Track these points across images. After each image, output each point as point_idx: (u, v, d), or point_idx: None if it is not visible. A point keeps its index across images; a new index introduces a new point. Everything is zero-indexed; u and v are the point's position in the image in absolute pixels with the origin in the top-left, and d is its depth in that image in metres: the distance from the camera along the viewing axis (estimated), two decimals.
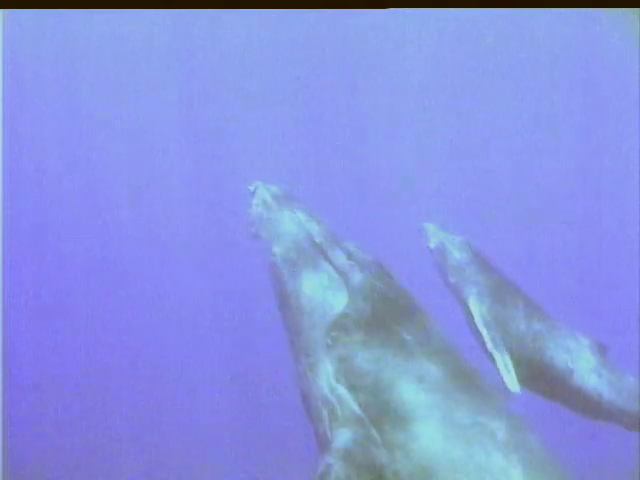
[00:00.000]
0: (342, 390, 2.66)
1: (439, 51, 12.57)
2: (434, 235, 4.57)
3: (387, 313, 2.86)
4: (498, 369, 3.88)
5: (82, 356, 10.43)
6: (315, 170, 11.20)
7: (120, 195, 12.13)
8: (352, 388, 2.65)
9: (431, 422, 2.50)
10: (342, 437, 2.57)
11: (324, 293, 2.94)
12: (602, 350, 4.11)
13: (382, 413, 2.55)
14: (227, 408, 9.74)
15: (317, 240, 3.11)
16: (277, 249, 3.16)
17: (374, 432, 2.52)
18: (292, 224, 3.21)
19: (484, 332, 3.98)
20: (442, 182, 11.45)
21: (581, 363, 4.01)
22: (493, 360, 3.95)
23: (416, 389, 2.59)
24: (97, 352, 10.42)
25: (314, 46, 12.48)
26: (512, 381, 3.82)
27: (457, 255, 4.38)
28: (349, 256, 3.08)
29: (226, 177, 10.45)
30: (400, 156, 11.91)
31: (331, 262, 3.02)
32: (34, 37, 11.28)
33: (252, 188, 3.41)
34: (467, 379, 2.74)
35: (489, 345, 3.96)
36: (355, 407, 2.60)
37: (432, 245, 4.55)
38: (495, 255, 4.47)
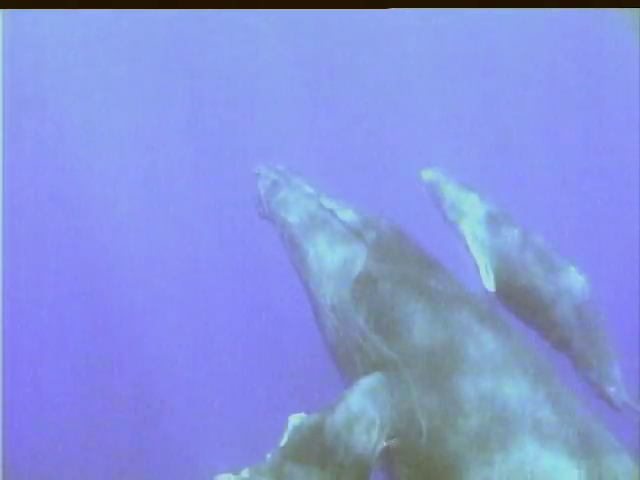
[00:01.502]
0: (375, 337, 2.74)
1: (439, 51, 12.57)
2: (431, 178, 4.73)
3: (409, 264, 2.96)
4: (479, 270, 4.02)
5: (82, 358, 10.43)
6: (321, 156, 11.18)
7: (121, 194, 12.13)
8: (385, 336, 2.72)
9: (462, 360, 2.56)
10: (370, 376, 2.62)
11: (343, 252, 3.06)
12: (592, 290, 4.17)
13: (414, 354, 2.61)
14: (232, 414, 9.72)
15: (327, 206, 3.25)
16: (292, 219, 3.32)
17: (407, 373, 2.56)
18: (301, 195, 3.40)
19: (469, 239, 4.15)
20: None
21: (566, 298, 4.07)
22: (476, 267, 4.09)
23: (447, 332, 2.65)
24: (97, 355, 10.42)
25: (314, 46, 12.49)
26: (489, 281, 3.96)
27: (452, 192, 4.54)
28: (361, 217, 3.21)
29: (231, 171, 10.45)
30: (400, 154, 11.92)
31: (344, 223, 3.14)
32: (34, 37, 11.27)
33: (257, 170, 3.60)
34: (496, 321, 2.81)
35: (472, 249, 4.11)
36: (386, 350, 2.67)
37: (428, 186, 4.73)
38: None
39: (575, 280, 4.12)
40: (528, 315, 4.14)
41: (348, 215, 3.23)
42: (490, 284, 3.90)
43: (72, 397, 9.96)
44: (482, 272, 3.95)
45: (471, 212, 4.34)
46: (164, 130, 12.54)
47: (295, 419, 2.48)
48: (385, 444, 2.48)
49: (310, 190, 3.48)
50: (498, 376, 2.49)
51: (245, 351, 10.10)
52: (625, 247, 10.74)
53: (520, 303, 4.11)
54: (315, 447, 2.36)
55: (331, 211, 3.24)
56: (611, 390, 3.86)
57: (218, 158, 11.77)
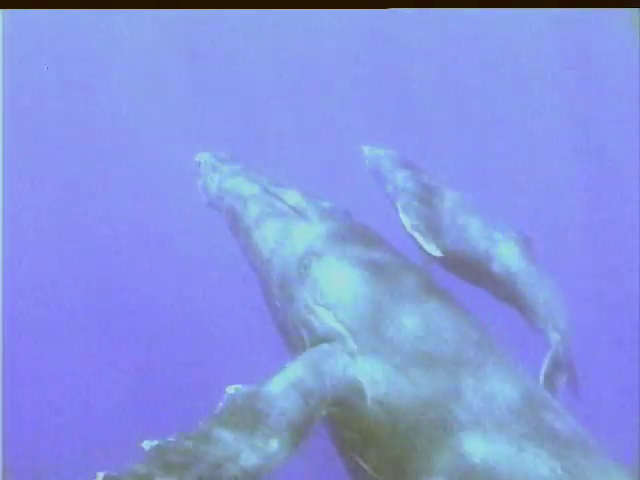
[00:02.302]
0: (321, 309, 2.75)
1: (439, 51, 12.58)
2: (370, 154, 4.82)
3: (352, 239, 3.00)
4: (419, 244, 4.08)
5: (81, 356, 10.44)
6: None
7: (119, 191, 12.17)
8: (330, 306, 2.74)
9: (407, 326, 2.59)
10: (313, 348, 2.64)
11: (288, 231, 3.11)
12: (527, 242, 4.21)
13: (360, 324, 2.63)
14: None
15: (270, 189, 3.34)
16: (236, 203, 3.38)
17: (351, 343, 2.58)
18: (244, 180, 3.47)
19: (401, 212, 4.20)
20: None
21: (503, 251, 4.12)
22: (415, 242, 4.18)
23: (392, 299, 2.69)
24: (96, 352, 10.42)
25: (314, 46, 12.50)
26: (431, 247, 4.00)
27: (388, 166, 4.64)
28: (305, 198, 3.28)
29: None
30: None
31: (288, 205, 3.21)
32: (34, 37, 11.27)
33: (198, 159, 3.64)
34: (440, 292, 2.84)
35: (405, 221, 4.16)
36: (334, 322, 2.68)
37: (368, 163, 4.79)
38: None
39: (508, 235, 4.19)
40: (469, 274, 4.22)
41: (292, 197, 3.29)
42: (433, 249, 3.96)
43: (74, 399, 9.96)
44: (420, 240, 3.99)
45: (404, 185, 4.44)
46: (162, 127, 12.55)
47: (231, 389, 2.49)
48: (326, 412, 2.50)
49: (254, 175, 3.55)
50: (444, 341, 2.53)
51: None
52: (624, 246, 10.75)
53: (460, 264, 4.20)
54: (247, 413, 2.35)
55: (274, 194, 3.31)
56: (555, 337, 3.85)
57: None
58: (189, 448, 2.21)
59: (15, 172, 9.78)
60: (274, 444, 2.29)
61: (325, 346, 2.62)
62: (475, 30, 11.92)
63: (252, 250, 3.29)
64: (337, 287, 2.77)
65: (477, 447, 2.24)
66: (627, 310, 9.29)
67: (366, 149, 4.85)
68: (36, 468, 8.36)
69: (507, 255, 4.10)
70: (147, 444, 2.25)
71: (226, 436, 2.27)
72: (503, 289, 4.11)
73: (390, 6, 8.01)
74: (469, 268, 4.21)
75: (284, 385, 2.45)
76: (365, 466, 2.46)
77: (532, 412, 2.35)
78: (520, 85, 12.46)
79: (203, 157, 3.81)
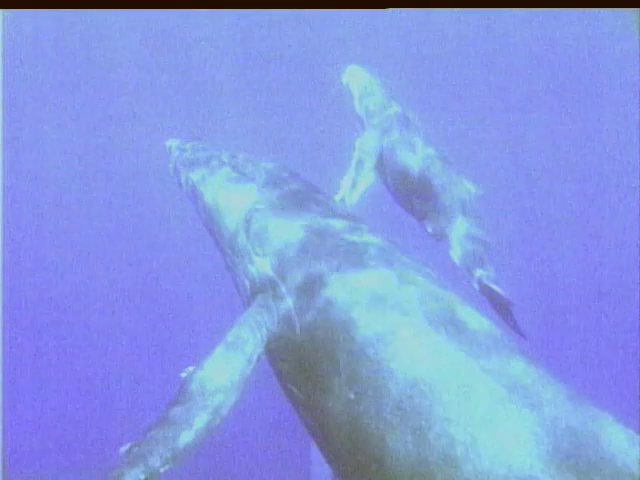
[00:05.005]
0: (258, 259, 3.02)
1: (439, 50, 12.60)
2: (353, 73, 4.66)
3: (294, 194, 3.28)
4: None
5: (81, 352, 10.45)
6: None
7: (117, 191, 12.19)
8: (266, 255, 2.99)
9: (335, 261, 2.79)
10: (250, 306, 2.91)
11: (238, 195, 3.38)
12: (478, 194, 4.30)
13: (291, 268, 2.86)
14: None
15: (225, 160, 3.62)
16: (193, 175, 3.65)
17: (282, 287, 2.84)
18: (201, 152, 3.79)
19: (353, 155, 4.24)
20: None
21: (454, 191, 4.21)
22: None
23: (321, 240, 2.91)
24: (96, 348, 10.44)
25: (314, 46, 12.52)
26: (350, 196, 4.10)
27: (371, 93, 4.53)
28: (254, 164, 3.58)
29: None
30: None
31: (240, 171, 3.51)
32: (34, 37, 11.28)
33: (168, 144, 3.85)
34: (371, 232, 3.00)
35: (351, 164, 4.22)
36: (268, 270, 2.94)
37: (345, 80, 4.67)
38: None
39: (464, 181, 4.24)
40: (416, 202, 4.24)
41: (244, 164, 3.58)
42: (352, 200, 4.03)
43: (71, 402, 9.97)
44: (345, 185, 4.07)
45: (379, 114, 4.37)
46: (160, 125, 12.57)
47: (183, 373, 2.77)
48: (265, 349, 2.80)
49: (211, 148, 3.84)
50: (366, 270, 2.72)
51: None
52: (624, 247, 10.76)
53: (412, 189, 4.22)
54: (195, 384, 2.66)
55: (229, 164, 3.59)
56: (490, 276, 3.89)
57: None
58: (152, 436, 2.53)
59: (14, 173, 9.78)
60: (219, 397, 2.62)
61: (258, 298, 2.90)
62: (474, 30, 11.94)
63: (207, 215, 3.55)
64: (272, 235, 3.03)
65: (394, 354, 2.39)
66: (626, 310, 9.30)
67: (353, 68, 4.68)
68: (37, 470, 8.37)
69: (456, 196, 4.17)
70: (123, 449, 2.52)
71: (178, 412, 2.59)
72: (438, 222, 4.18)
73: (390, 6, 8.02)
74: (417, 194, 4.25)
75: (223, 348, 2.75)
76: (299, 394, 2.67)
77: (457, 331, 2.44)
78: (519, 85, 12.48)
79: (172, 142, 4.06)
